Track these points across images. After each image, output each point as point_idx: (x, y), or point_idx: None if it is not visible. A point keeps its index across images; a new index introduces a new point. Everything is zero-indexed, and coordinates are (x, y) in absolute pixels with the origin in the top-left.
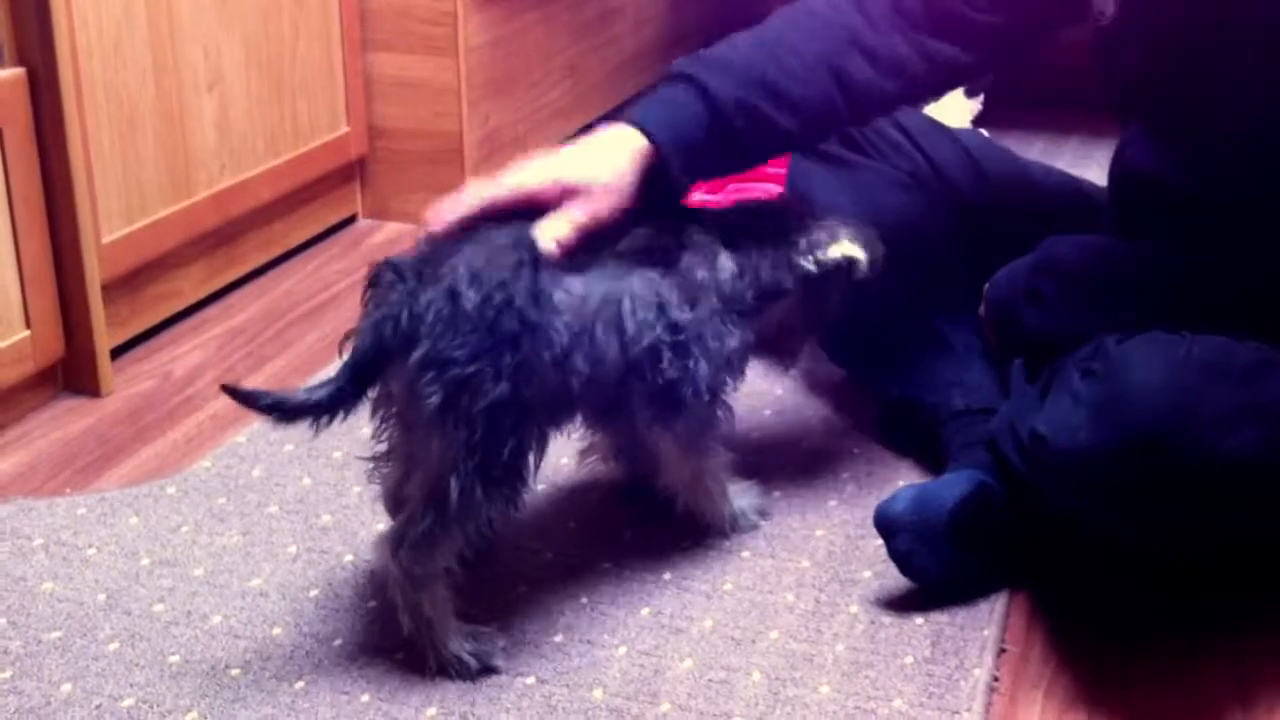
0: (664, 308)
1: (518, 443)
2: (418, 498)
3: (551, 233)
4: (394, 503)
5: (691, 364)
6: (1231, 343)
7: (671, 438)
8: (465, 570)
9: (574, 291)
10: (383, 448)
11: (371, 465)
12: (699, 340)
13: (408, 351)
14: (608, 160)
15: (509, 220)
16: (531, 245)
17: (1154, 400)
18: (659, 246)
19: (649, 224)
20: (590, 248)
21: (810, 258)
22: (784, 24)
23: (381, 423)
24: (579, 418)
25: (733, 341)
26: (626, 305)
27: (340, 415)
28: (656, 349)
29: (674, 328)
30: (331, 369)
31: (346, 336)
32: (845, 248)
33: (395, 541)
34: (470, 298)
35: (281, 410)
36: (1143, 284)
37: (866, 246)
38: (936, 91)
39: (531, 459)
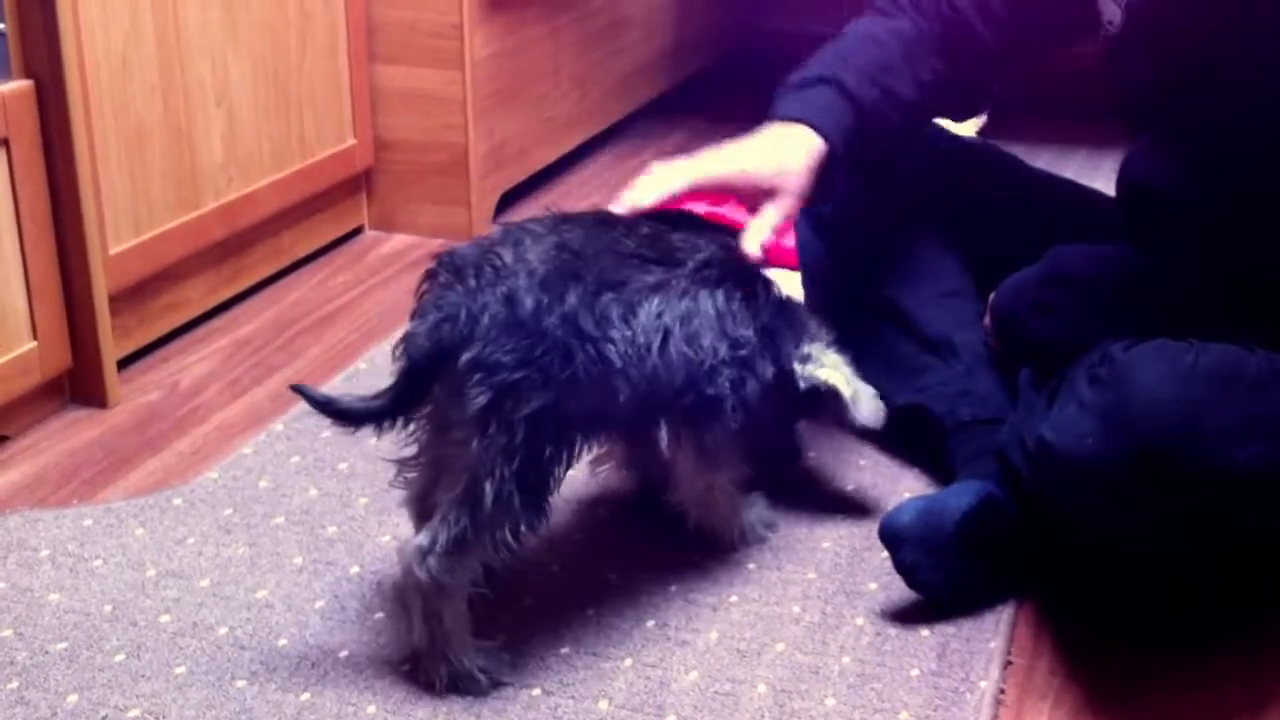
0: (727, 329)
1: (555, 452)
2: (449, 501)
3: (757, 238)
4: (420, 508)
5: (744, 382)
6: (1240, 352)
7: (695, 452)
8: (477, 584)
9: (640, 308)
10: (411, 450)
11: (398, 467)
12: (753, 360)
13: (459, 352)
14: (793, 158)
15: (585, 221)
16: (601, 250)
17: (1161, 409)
18: (726, 264)
19: (712, 239)
20: (661, 261)
21: (800, 365)
22: (871, 29)
23: (413, 424)
24: (617, 430)
25: (770, 365)
26: (697, 326)
27: (402, 420)
28: (717, 369)
29: (735, 344)
30: (340, 379)
31: (402, 339)
32: (833, 378)
33: (424, 549)
34: (527, 305)
35: (344, 415)
36: (1152, 294)
37: (859, 393)
38: (953, 108)
39: (561, 470)
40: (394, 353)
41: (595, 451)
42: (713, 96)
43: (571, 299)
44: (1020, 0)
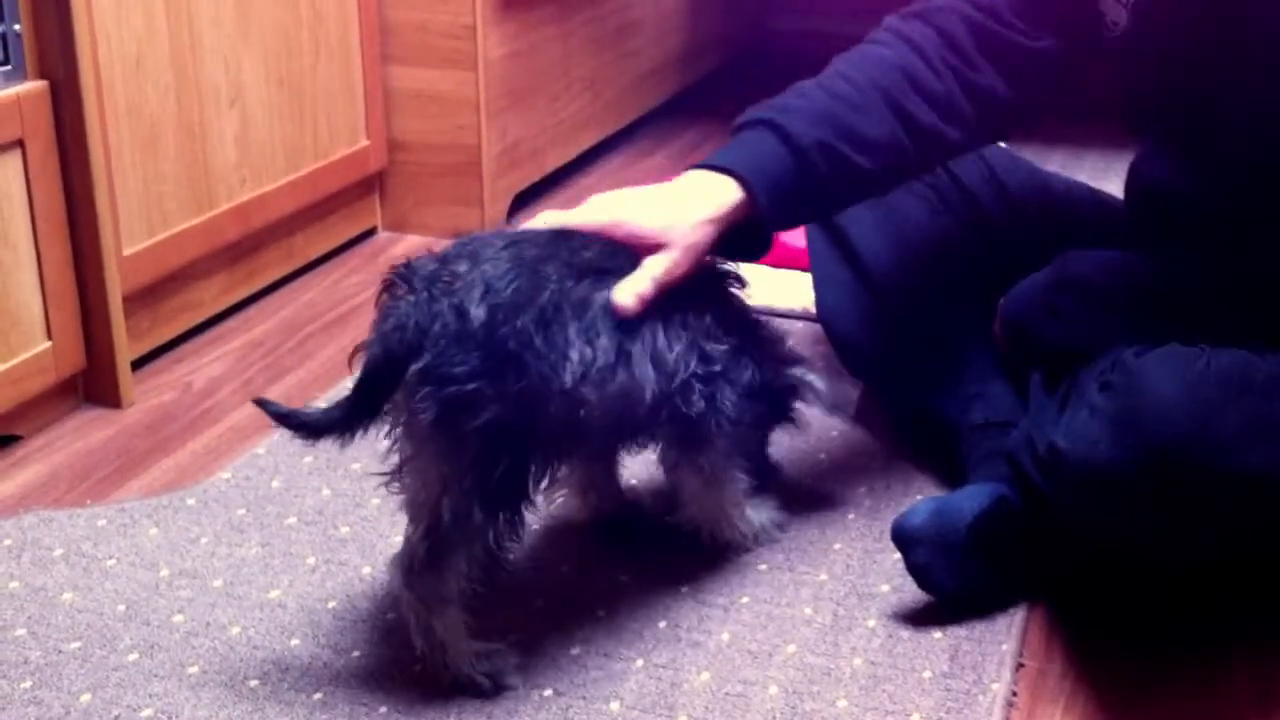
0: (697, 341)
1: (515, 465)
2: (416, 516)
3: (632, 290)
4: (413, 514)
5: (719, 396)
6: (1251, 357)
7: (696, 473)
8: (482, 585)
9: (600, 325)
10: (396, 459)
11: (388, 478)
12: (726, 371)
13: (409, 362)
14: (692, 211)
15: (544, 238)
16: (560, 265)
17: (1173, 414)
18: (692, 277)
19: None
20: (622, 274)
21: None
22: (846, 67)
23: (394, 434)
24: (587, 448)
25: (753, 372)
26: (662, 340)
27: (360, 431)
28: (689, 383)
29: (706, 359)
30: (350, 382)
31: (356, 350)
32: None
33: (405, 564)
34: (478, 316)
35: (303, 427)
36: (1162, 299)
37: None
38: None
39: (532, 483)
40: (349, 363)
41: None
42: (725, 97)
43: (527, 313)
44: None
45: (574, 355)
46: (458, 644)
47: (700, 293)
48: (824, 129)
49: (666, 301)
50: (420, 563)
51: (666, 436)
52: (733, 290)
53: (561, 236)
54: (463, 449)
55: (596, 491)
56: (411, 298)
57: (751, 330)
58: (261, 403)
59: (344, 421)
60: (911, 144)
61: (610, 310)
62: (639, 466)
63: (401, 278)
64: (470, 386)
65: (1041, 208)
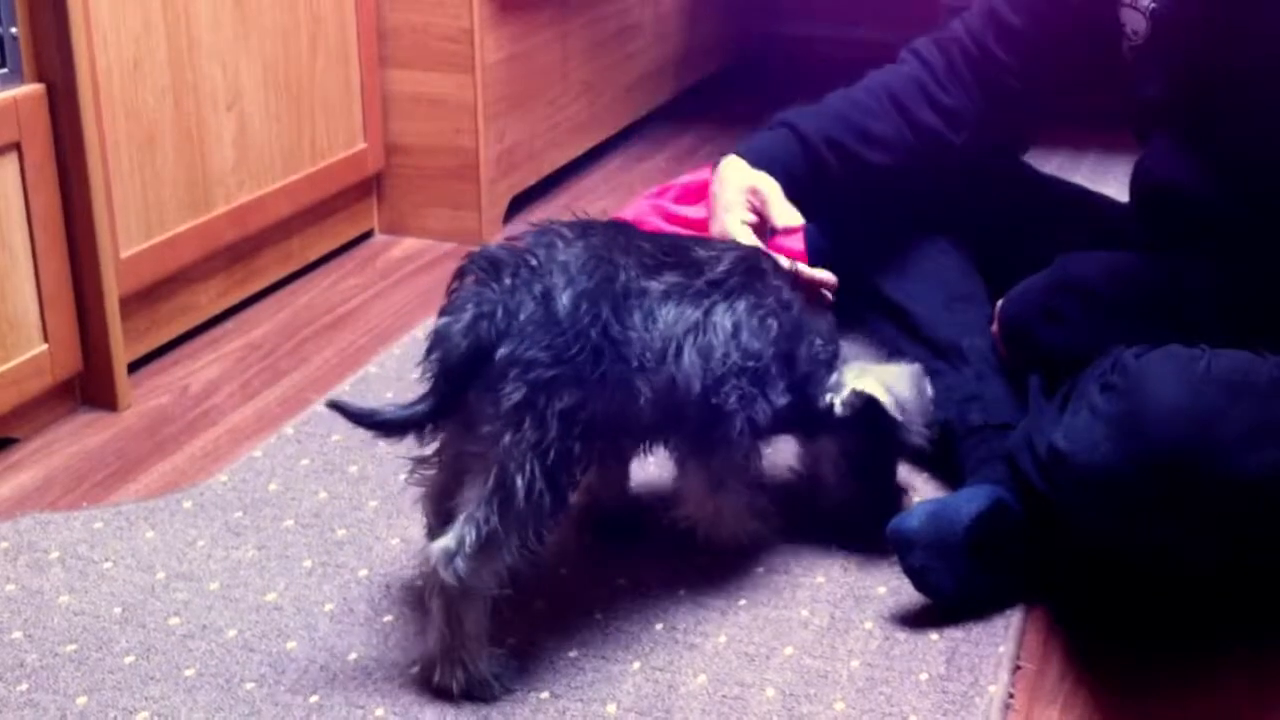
0: (741, 339)
1: (582, 451)
2: (477, 499)
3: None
4: (436, 507)
5: (753, 400)
6: (1252, 358)
7: (703, 476)
8: (512, 583)
9: (659, 314)
10: (431, 448)
11: (413, 465)
12: (764, 377)
13: (496, 348)
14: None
15: (609, 227)
16: (625, 255)
17: (1174, 416)
18: (746, 275)
19: (732, 250)
20: (681, 268)
21: (831, 397)
22: (869, 79)
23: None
24: (630, 439)
25: (784, 391)
26: (710, 335)
27: (445, 422)
28: (725, 378)
29: (748, 355)
30: (350, 383)
31: (432, 343)
32: (863, 383)
33: (451, 551)
34: (563, 304)
35: (385, 425)
36: (1162, 300)
37: (893, 388)
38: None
39: (582, 471)
40: (426, 352)
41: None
42: (722, 101)
43: (604, 301)
44: (1039, 16)
45: (636, 342)
46: (481, 640)
47: (754, 292)
48: (836, 127)
49: (719, 297)
50: (472, 547)
51: (691, 435)
52: (787, 294)
53: (625, 231)
54: (543, 430)
55: (605, 486)
56: (495, 285)
57: (809, 342)
58: (337, 405)
59: (430, 414)
60: (917, 142)
61: (663, 300)
62: (637, 466)
63: (480, 265)
64: (554, 371)
65: (1040, 210)
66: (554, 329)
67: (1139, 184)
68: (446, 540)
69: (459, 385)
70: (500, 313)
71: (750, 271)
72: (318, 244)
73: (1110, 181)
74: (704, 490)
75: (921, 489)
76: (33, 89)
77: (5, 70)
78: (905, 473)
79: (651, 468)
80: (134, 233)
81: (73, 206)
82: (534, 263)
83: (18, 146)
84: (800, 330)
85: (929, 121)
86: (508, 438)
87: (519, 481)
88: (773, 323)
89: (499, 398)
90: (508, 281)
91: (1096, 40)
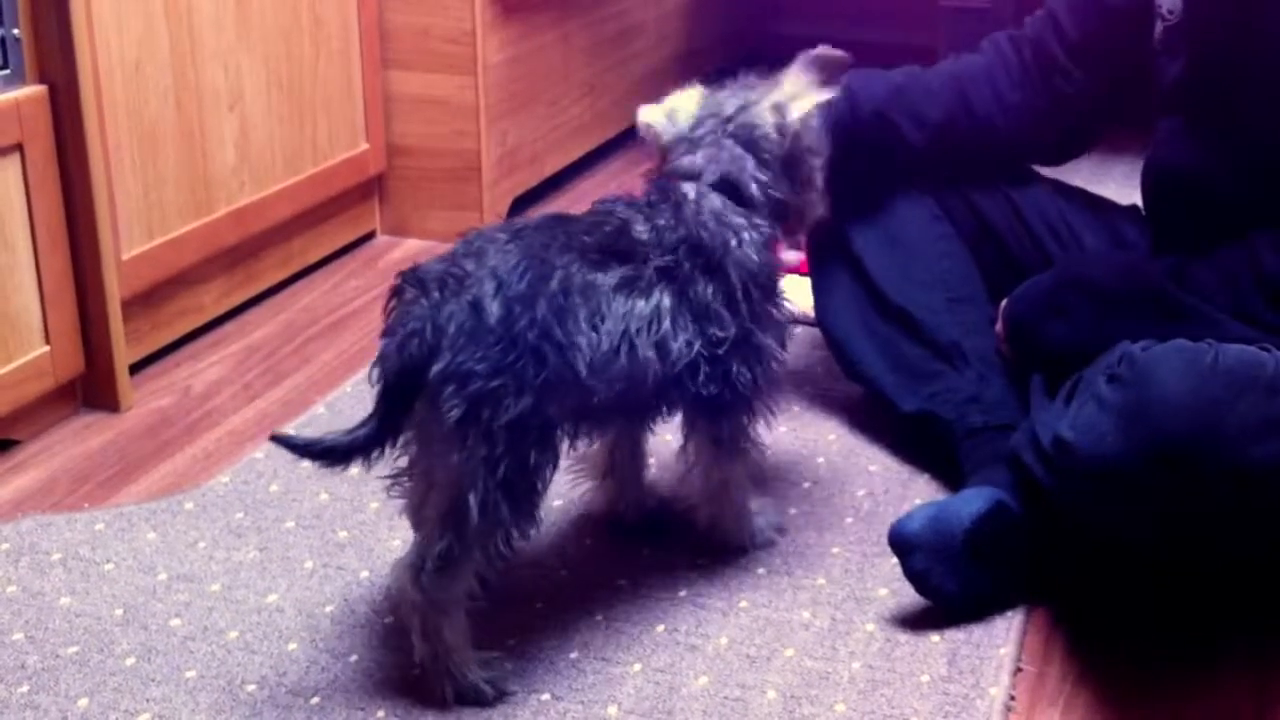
0: (700, 324)
1: (540, 457)
2: (435, 517)
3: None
4: (417, 518)
5: (734, 371)
6: (1257, 352)
7: (709, 443)
8: (484, 590)
9: (607, 308)
10: (403, 462)
11: (390, 481)
12: (738, 348)
13: (429, 365)
14: None
15: (545, 224)
16: (564, 252)
17: (1181, 409)
18: (693, 255)
19: (678, 225)
20: (625, 257)
21: (788, 112)
22: (943, 64)
23: (404, 438)
24: (604, 427)
25: (769, 337)
26: (665, 327)
27: (390, 445)
28: (695, 366)
29: (711, 342)
30: (350, 385)
31: (374, 365)
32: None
33: (416, 566)
34: (494, 312)
35: (328, 454)
36: (1166, 296)
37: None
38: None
39: (549, 473)
40: (370, 376)
41: (577, 452)
42: None
43: (540, 303)
44: (1083, 7)
45: (583, 345)
46: (464, 649)
47: (703, 270)
48: (890, 99)
49: (668, 284)
50: (433, 564)
51: (688, 407)
52: (732, 263)
53: (562, 222)
54: (490, 444)
55: (617, 478)
56: (424, 300)
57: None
58: (279, 439)
59: (372, 439)
60: (966, 123)
61: (612, 294)
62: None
63: (410, 282)
64: (494, 383)
65: (1042, 212)
66: (487, 338)
67: (1150, 169)
68: (410, 557)
69: (399, 406)
70: (429, 329)
71: (698, 248)
72: (319, 245)
73: (1109, 183)
74: (710, 462)
75: (922, 490)
76: (35, 90)
77: (7, 71)
78: (906, 475)
79: (659, 469)
80: (136, 234)
81: (75, 208)
82: (462, 273)
83: (20, 148)
84: (749, 295)
85: (981, 112)
86: (454, 456)
87: (472, 499)
88: (729, 290)
89: (441, 416)
90: (435, 295)
91: (1133, 22)
